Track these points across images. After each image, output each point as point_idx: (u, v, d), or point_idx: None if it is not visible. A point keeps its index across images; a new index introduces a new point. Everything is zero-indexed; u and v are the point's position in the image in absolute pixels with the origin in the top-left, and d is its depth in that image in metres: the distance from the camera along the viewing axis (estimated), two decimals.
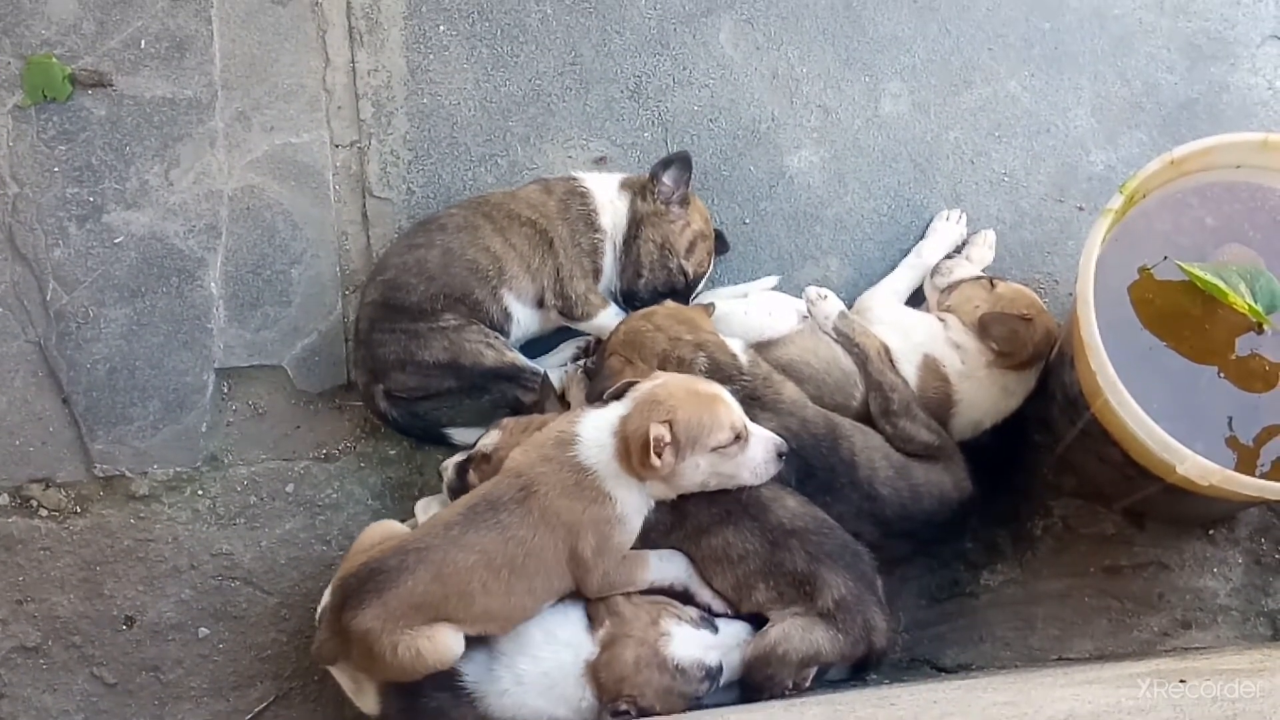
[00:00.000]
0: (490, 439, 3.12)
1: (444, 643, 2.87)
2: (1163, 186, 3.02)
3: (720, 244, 3.50)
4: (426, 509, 3.29)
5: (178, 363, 3.50)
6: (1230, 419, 2.90)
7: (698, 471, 2.89)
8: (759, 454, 2.91)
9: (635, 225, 3.35)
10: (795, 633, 2.94)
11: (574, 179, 3.41)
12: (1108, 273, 2.91)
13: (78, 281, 3.52)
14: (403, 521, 3.20)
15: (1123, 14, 3.71)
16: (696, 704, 2.96)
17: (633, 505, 2.93)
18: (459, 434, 3.32)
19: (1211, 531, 3.41)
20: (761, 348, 3.23)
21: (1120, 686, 2.62)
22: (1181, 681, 2.56)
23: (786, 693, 2.97)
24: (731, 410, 2.88)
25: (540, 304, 3.34)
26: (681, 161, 3.36)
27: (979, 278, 3.37)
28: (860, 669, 3.10)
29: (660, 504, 2.99)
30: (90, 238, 3.55)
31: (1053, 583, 3.40)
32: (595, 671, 2.92)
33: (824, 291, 3.32)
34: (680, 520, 3.04)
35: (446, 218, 3.35)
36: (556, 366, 3.40)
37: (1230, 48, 3.68)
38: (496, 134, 3.63)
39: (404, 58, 3.67)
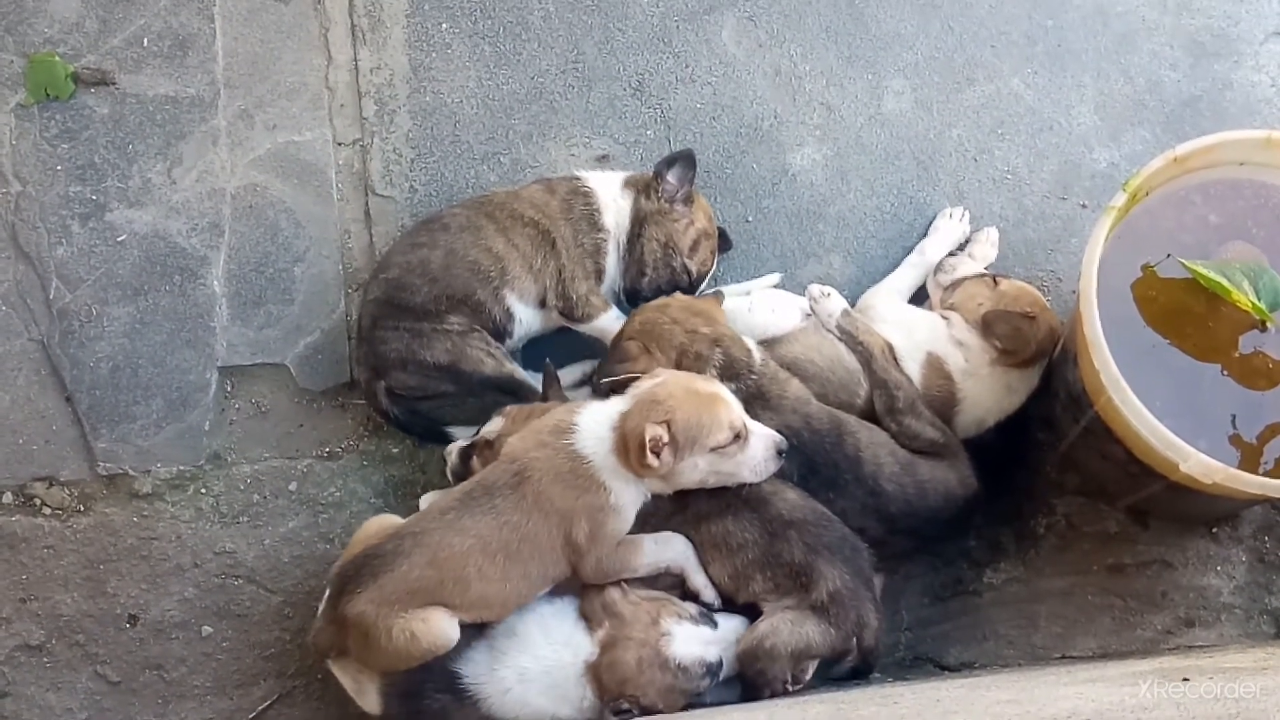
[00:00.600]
0: (494, 426, 3.13)
1: (439, 626, 2.87)
2: (1166, 184, 3.02)
3: (723, 242, 3.50)
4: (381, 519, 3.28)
5: (181, 361, 3.50)
6: (1234, 417, 2.90)
7: (696, 470, 2.90)
8: (759, 452, 2.91)
9: (639, 224, 3.35)
10: (784, 626, 2.94)
11: (577, 178, 3.41)
12: (1111, 270, 2.91)
13: (81, 280, 3.52)
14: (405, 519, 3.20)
15: (1126, 11, 3.70)
16: (698, 700, 2.97)
17: (628, 497, 2.94)
18: (461, 433, 3.31)
19: (1215, 529, 3.41)
20: (765, 346, 3.23)
21: (1123, 685, 2.62)
22: (1185, 680, 2.56)
23: (786, 687, 2.97)
24: (731, 410, 2.88)
25: (543, 304, 3.34)
26: (685, 160, 3.35)
27: (982, 275, 3.37)
28: (850, 669, 3.09)
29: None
30: (93, 236, 3.55)
31: (1056, 581, 3.40)
32: (596, 673, 2.92)
33: (827, 289, 3.32)
34: (681, 507, 3.05)
35: (449, 217, 3.35)
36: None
37: (1234, 45, 3.67)
38: (499, 132, 3.63)
39: (406, 55, 3.67)
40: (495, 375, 3.24)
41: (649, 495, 2.97)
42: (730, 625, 3.02)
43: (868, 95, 3.66)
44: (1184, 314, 2.96)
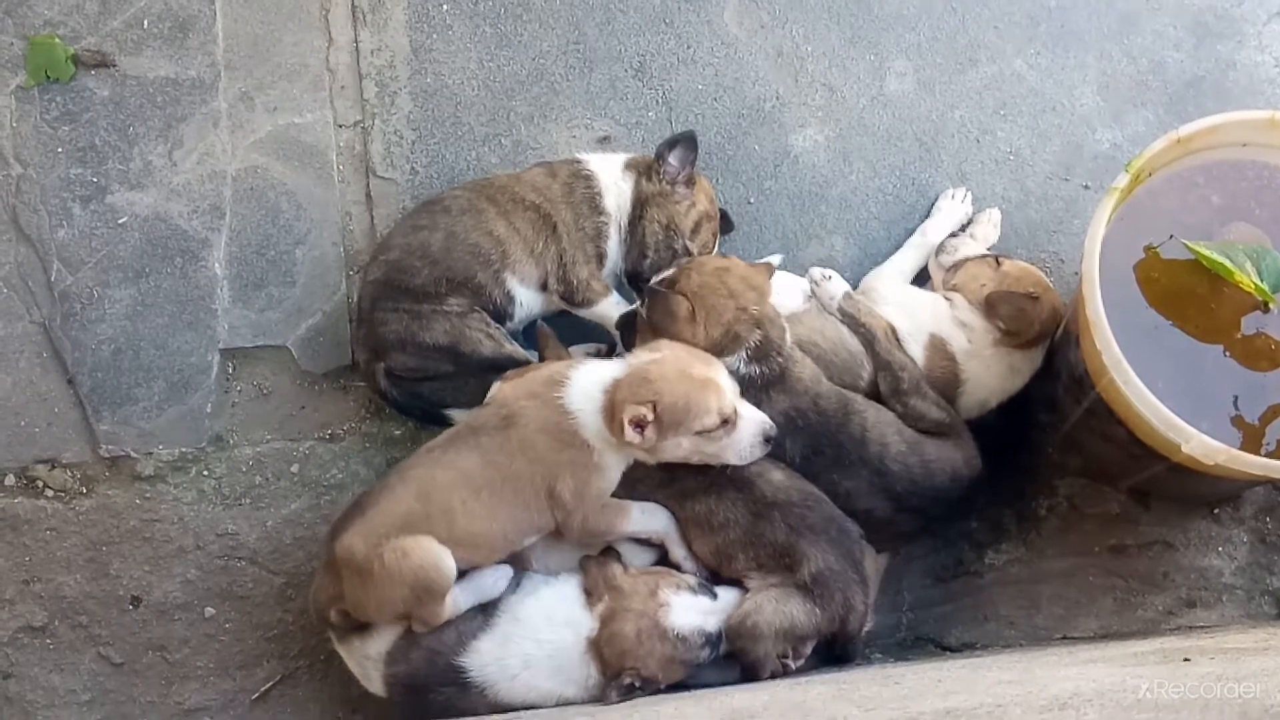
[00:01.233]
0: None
1: (431, 547, 2.89)
2: (1169, 165, 3.01)
3: (725, 224, 3.49)
4: None
5: (182, 343, 3.50)
6: (1236, 398, 2.90)
7: (679, 449, 2.93)
8: (746, 438, 2.93)
9: (640, 206, 3.35)
10: (768, 605, 2.95)
11: (578, 161, 3.40)
12: (1113, 252, 2.91)
13: (82, 262, 3.52)
14: None
15: None
16: (697, 670, 2.99)
17: (611, 458, 2.97)
18: (460, 415, 3.31)
19: (1217, 510, 3.42)
20: None
21: (1125, 665, 2.63)
22: (1186, 660, 2.57)
23: (786, 665, 2.98)
24: (723, 396, 2.88)
25: (544, 287, 3.33)
26: (687, 141, 3.35)
27: (984, 256, 3.36)
28: (838, 653, 3.09)
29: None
30: (94, 218, 3.54)
31: (1058, 562, 3.41)
32: (598, 647, 2.94)
33: (828, 272, 3.32)
34: (668, 481, 3.07)
35: (450, 199, 3.35)
36: None
37: (1237, 25, 3.66)
38: (500, 113, 3.62)
39: (407, 37, 3.66)
40: (495, 356, 3.23)
41: (632, 460, 3.00)
42: (730, 597, 3.03)
43: (870, 76, 3.65)
44: (1186, 295, 2.96)
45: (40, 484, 3.47)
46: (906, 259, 3.47)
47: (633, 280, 3.37)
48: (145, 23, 3.63)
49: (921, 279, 3.47)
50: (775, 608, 2.94)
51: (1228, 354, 2.93)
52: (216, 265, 3.54)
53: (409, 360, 3.26)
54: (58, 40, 3.60)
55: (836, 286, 3.30)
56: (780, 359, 3.08)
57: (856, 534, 3.08)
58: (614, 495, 3.05)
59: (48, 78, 3.59)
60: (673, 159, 3.33)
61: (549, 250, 3.31)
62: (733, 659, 3.01)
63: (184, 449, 3.48)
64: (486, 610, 3.01)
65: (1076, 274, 3.10)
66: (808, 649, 3.01)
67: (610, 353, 3.40)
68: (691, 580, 3.02)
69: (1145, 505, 3.42)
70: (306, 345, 3.52)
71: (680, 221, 3.33)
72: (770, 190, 3.59)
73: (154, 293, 3.52)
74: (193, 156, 3.58)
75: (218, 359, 3.50)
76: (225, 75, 3.62)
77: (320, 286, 3.54)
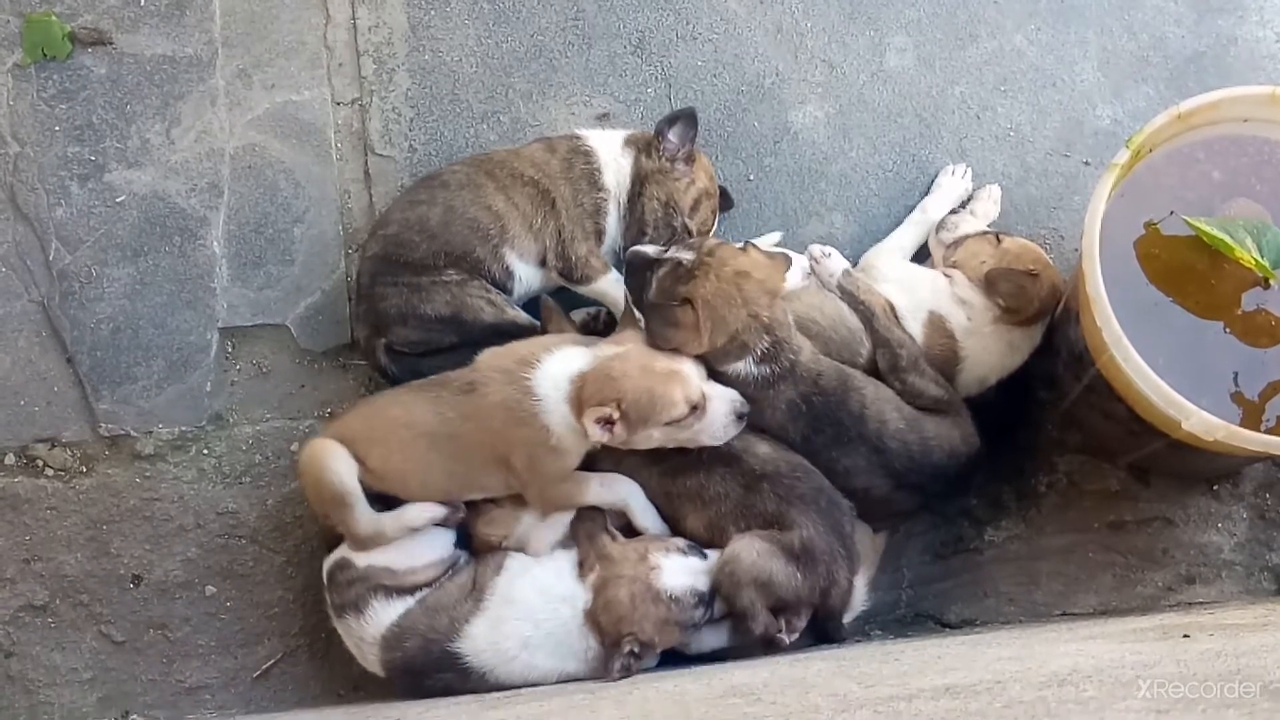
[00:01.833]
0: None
1: (324, 446, 3.07)
2: (1169, 141, 3.00)
3: (724, 201, 3.48)
4: None
5: (181, 322, 3.50)
6: (1236, 374, 2.90)
7: (651, 440, 2.95)
8: (718, 418, 2.94)
9: (639, 183, 3.33)
10: (748, 555, 2.95)
11: (577, 137, 3.39)
12: (1113, 228, 2.90)
13: (80, 241, 3.52)
14: None
15: None
16: (695, 631, 3.00)
17: (571, 442, 2.99)
18: None
19: (1216, 487, 3.42)
20: None
21: (1124, 641, 2.64)
22: (1185, 636, 2.58)
23: (780, 638, 2.98)
24: (688, 384, 2.90)
25: (543, 263, 3.32)
26: (687, 118, 3.33)
27: (985, 233, 3.36)
28: (819, 630, 3.09)
29: None
30: (92, 197, 3.54)
31: (1057, 538, 3.41)
32: (594, 617, 2.95)
33: (827, 249, 3.31)
34: (658, 457, 3.07)
35: (449, 174, 3.34)
36: None
37: (1238, 0, 3.64)
38: (499, 90, 3.61)
39: (405, 13, 3.65)
40: (497, 322, 3.23)
41: (598, 445, 3.01)
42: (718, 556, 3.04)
43: (870, 52, 3.64)
44: (1187, 271, 2.96)
45: (40, 463, 3.47)
46: (906, 236, 3.46)
47: None
48: (142, 0, 3.61)
49: (921, 256, 3.47)
50: (755, 559, 2.94)
51: (1228, 330, 2.93)
52: (215, 244, 3.53)
53: (411, 334, 3.26)
54: (54, 18, 3.58)
55: (836, 263, 3.29)
56: (790, 355, 3.07)
57: (847, 507, 3.09)
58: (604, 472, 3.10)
59: (44, 55, 3.57)
60: (672, 136, 3.32)
61: (548, 226, 3.30)
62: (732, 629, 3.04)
63: (184, 428, 3.48)
64: (476, 594, 3.02)
65: (1076, 250, 3.09)
66: (800, 622, 3.01)
67: (607, 321, 3.40)
68: (681, 542, 3.04)
69: (1145, 482, 3.42)
70: (306, 324, 3.51)
71: (679, 199, 3.32)
72: (770, 167, 3.59)
73: (152, 271, 3.51)
74: (190, 135, 3.57)
75: (217, 338, 3.50)
76: (223, 53, 3.61)
77: (319, 265, 3.54)
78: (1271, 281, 2.89)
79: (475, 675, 2.98)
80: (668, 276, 3.07)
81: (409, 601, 3.05)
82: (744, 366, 3.04)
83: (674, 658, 3.06)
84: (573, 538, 3.08)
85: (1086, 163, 3.57)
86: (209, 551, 3.45)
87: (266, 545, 3.46)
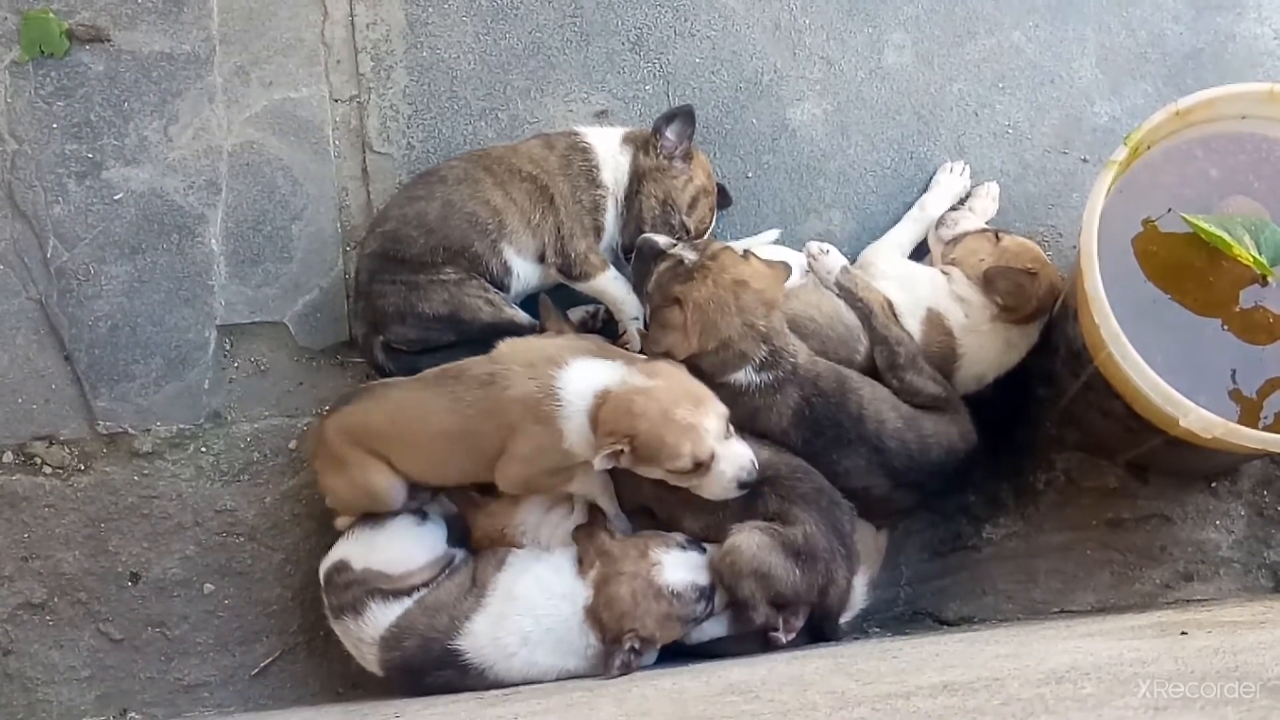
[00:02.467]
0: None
1: (389, 481, 3.13)
2: (1167, 138, 3.00)
3: (722, 198, 3.48)
4: None
5: (179, 320, 3.50)
6: (1234, 372, 2.90)
7: (654, 474, 2.93)
8: (720, 480, 2.91)
9: (637, 180, 3.33)
10: (748, 546, 2.94)
11: (576, 134, 3.39)
12: (1112, 225, 2.90)
13: (78, 238, 3.51)
14: None
15: None
16: (696, 625, 3.01)
17: (580, 449, 2.96)
18: None
19: (1214, 484, 3.42)
20: None
21: (1122, 639, 2.64)
22: (1183, 633, 2.58)
23: (779, 636, 2.98)
24: (700, 442, 2.86)
25: (541, 259, 3.32)
26: (684, 116, 3.33)
27: (984, 230, 3.36)
28: (815, 629, 3.09)
29: None
30: (90, 194, 3.53)
31: (1055, 536, 3.41)
32: (595, 614, 2.95)
33: (825, 246, 3.31)
34: None
35: (447, 170, 3.34)
36: None
37: None
38: (497, 87, 3.61)
39: (403, 10, 3.64)
40: (495, 321, 3.23)
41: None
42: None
43: (868, 49, 3.64)
44: (1185, 269, 2.96)
45: (38, 461, 3.47)
46: (904, 233, 3.46)
47: (629, 255, 3.36)
48: None
49: (919, 253, 3.47)
50: (754, 551, 2.93)
51: (1226, 327, 2.93)
52: (213, 241, 3.53)
53: (409, 332, 3.26)
54: (52, 15, 3.58)
55: (833, 261, 3.29)
56: (790, 359, 3.06)
57: (847, 508, 3.09)
58: None
59: (42, 53, 3.57)
60: (670, 133, 3.32)
61: (546, 222, 3.30)
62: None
63: (182, 425, 3.48)
64: (478, 591, 3.02)
65: (1075, 248, 3.09)
66: (798, 620, 3.01)
67: (606, 319, 3.40)
68: (680, 537, 3.04)
69: (1143, 479, 3.42)
70: (304, 321, 3.51)
71: (677, 196, 3.32)
72: (768, 164, 3.58)
73: (150, 269, 3.51)
74: (188, 132, 3.57)
75: (215, 335, 3.50)
76: (220, 50, 3.60)
77: (317, 262, 3.54)
78: (1269, 279, 2.89)
79: (475, 672, 2.98)
80: (667, 273, 3.08)
81: (407, 602, 3.05)
82: (744, 375, 3.04)
83: (674, 650, 3.06)
84: (571, 535, 3.08)
85: (1085, 160, 3.57)
86: (207, 549, 3.46)
87: (264, 543, 3.46)
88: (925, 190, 3.52)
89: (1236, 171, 3.03)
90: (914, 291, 3.29)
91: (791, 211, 3.57)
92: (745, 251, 3.13)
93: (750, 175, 3.58)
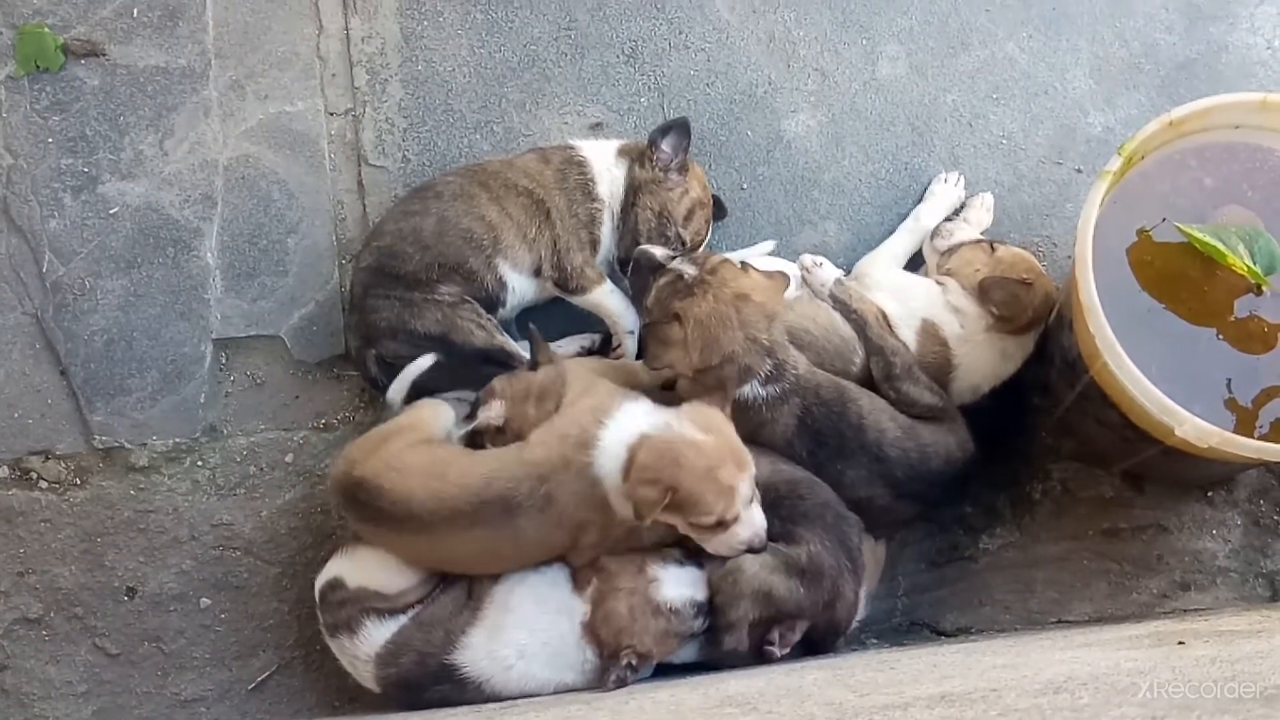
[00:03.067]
0: (494, 411, 3.05)
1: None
2: (1161, 148, 3.01)
3: (718, 210, 3.49)
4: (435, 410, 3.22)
5: (175, 333, 3.50)
6: (1229, 381, 2.90)
7: (670, 519, 2.89)
8: (730, 541, 2.88)
9: (633, 193, 3.34)
10: (752, 566, 2.93)
11: (571, 148, 3.40)
12: (1106, 235, 2.91)
13: (74, 253, 3.51)
14: None
15: None
16: (694, 640, 3.00)
17: (627, 511, 2.90)
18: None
19: (1210, 493, 3.42)
20: None
21: (1119, 649, 2.63)
22: (1180, 643, 2.58)
23: (772, 651, 2.98)
24: (732, 504, 2.82)
25: (537, 273, 3.32)
26: (680, 128, 3.34)
27: (979, 241, 3.36)
28: (817, 641, 3.08)
29: None
30: (85, 209, 3.53)
31: (1051, 546, 3.41)
32: (593, 630, 2.94)
33: (819, 258, 3.32)
34: None
35: (443, 185, 3.34)
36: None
37: (1229, 7, 3.65)
38: (492, 100, 3.61)
39: (398, 24, 3.65)
40: (486, 347, 3.23)
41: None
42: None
43: (862, 61, 3.65)
44: (1179, 278, 2.96)
45: (34, 475, 3.46)
46: (899, 244, 3.47)
47: (626, 268, 3.36)
48: (135, 11, 3.61)
49: (914, 264, 3.47)
50: (756, 572, 2.93)
51: (1220, 337, 2.93)
52: (209, 255, 3.53)
53: (400, 348, 3.25)
54: (47, 29, 3.58)
55: (828, 272, 3.30)
56: (793, 371, 3.06)
57: (854, 520, 3.08)
58: None
59: (37, 67, 3.57)
60: (665, 145, 3.33)
61: (542, 236, 3.30)
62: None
63: (178, 439, 3.48)
64: (474, 604, 3.01)
65: (1069, 258, 3.10)
66: (796, 634, 3.01)
67: (604, 344, 3.40)
68: (676, 552, 3.02)
69: (1139, 489, 3.42)
70: (300, 334, 3.51)
71: (673, 208, 3.32)
72: (763, 176, 3.59)
73: (146, 283, 3.51)
74: (184, 146, 3.57)
75: (211, 349, 3.50)
76: (216, 64, 3.61)
77: (313, 275, 3.54)
78: (1264, 288, 2.90)
79: (472, 686, 2.97)
80: (666, 288, 3.07)
81: (402, 619, 3.04)
82: (750, 390, 3.04)
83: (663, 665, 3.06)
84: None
85: (1079, 170, 3.58)
86: (203, 563, 3.45)
87: (261, 557, 3.45)
88: (920, 201, 3.53)
89: (1230, 181, 3.03)
90: (909, 302, 3.29)
91: (787, 223, 3.57)
92: (743, 263, 3.13)
93: (745, 187, 3.58)
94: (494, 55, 3.63)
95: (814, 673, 2.75)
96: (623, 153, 3.39)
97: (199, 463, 3.47)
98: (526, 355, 3.25)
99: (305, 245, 3.55)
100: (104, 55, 3.60)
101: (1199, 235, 2.85)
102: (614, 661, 2.91)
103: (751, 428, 3.05)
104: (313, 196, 3.57)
